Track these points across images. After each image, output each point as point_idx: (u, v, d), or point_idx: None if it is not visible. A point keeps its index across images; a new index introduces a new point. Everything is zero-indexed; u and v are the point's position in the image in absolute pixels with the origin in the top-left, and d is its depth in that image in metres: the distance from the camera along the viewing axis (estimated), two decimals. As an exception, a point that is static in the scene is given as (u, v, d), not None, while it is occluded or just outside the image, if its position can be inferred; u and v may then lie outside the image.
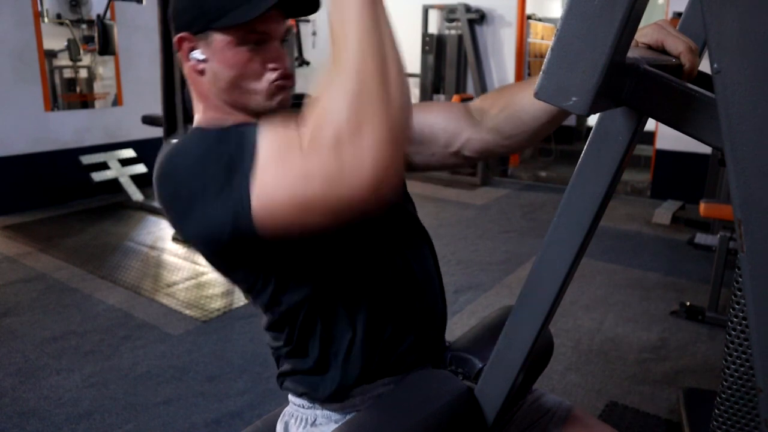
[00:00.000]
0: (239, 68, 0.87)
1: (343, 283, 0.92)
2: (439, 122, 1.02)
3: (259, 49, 0.88)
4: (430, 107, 1.07)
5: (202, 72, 0.90)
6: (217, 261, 0.88)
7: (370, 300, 0.92)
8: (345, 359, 0.93)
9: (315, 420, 0.98)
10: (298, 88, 1.16)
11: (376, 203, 0.65)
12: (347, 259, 0.92)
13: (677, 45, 0.73)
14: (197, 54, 0.89)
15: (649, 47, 0.76)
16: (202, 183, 0.76)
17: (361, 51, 0.63)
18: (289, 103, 0.94)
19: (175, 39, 0.91)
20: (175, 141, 0.86)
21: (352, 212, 0.66)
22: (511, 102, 0.96)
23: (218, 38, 0.87)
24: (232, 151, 0.75)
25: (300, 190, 0.66)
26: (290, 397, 1.01)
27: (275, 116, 0.85)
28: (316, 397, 0.96)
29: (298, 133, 0.68)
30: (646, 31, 0.76)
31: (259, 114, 0.92)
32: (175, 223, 0.82)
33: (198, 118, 0.96)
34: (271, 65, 0.89)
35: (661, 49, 0.75)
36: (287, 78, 0.91)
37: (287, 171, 0.68)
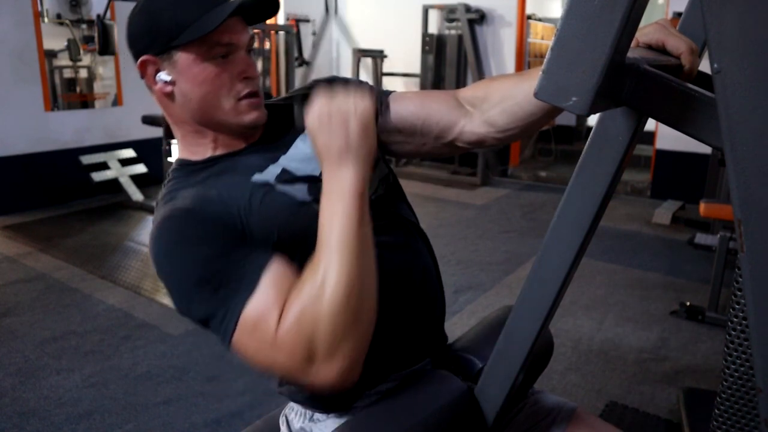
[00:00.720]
0: (209, 84, 0.85)
1: None
2: (433, 115, 1.00)
3: (226, 61, 0.86)
4: (423, 98, 1.04)
5: (171, 95, 0.88)
6: None
7: None
8: None
9: (313, 415, 0.97)
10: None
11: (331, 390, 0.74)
12: None
13: (679, 45, 0.73)
14: (163, 75, 0.86)
15: (650, 47, 0.76)
16: (187, 272, 0.81)
17: (348, 264, 0.71)
18: (264, 119, 0.92)
19: (137, 64, 0.88)
20: (168, 205, 0.84)
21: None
22: (507, 96, 0.94)
23: (182, 56, 0.84)
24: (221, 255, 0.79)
25: (264, 365, 0.77)
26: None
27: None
28: (318, 407, 0.96)
29: (278, 312, 0.74)
30: (647, 30, 0.76)
31: (239, 131, 0.90)
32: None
33: (179, 147, 0.95)
34: (242, 75, 0.87)
35: (661, 49, 0.75)
36: (256, 95, 0.89)
37: (257, 351, 0.76)
